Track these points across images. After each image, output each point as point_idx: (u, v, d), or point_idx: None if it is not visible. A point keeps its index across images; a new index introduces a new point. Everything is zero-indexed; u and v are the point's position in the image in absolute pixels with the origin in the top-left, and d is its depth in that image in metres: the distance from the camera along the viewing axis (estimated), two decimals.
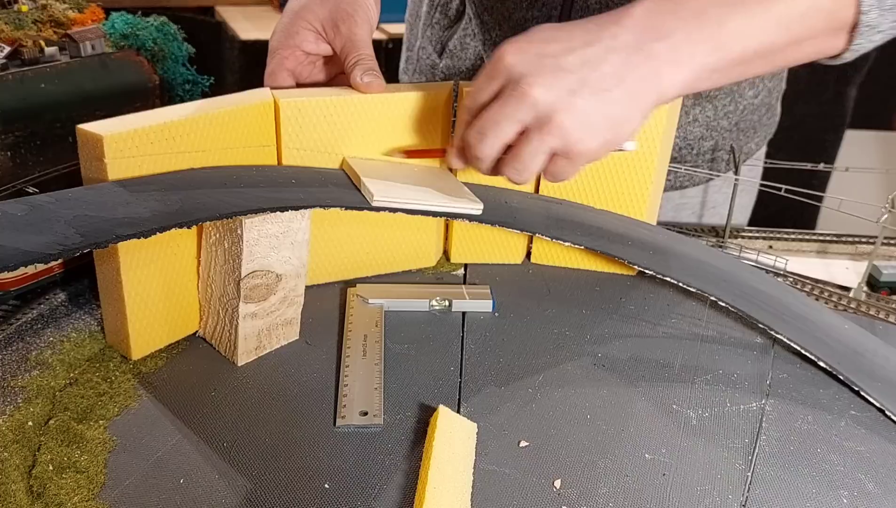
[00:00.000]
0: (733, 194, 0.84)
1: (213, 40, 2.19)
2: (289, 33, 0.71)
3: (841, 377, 0.62)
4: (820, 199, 0.77)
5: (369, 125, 0.67)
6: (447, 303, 0.69)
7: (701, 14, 0.57)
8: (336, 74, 0.74)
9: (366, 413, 0.55)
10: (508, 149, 0.58)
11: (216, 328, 0.62)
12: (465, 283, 0.74)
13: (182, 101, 0.91)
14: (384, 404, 0.57)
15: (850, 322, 0.68)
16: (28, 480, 0.49)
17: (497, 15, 0.87)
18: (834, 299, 0.75)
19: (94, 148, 0.54)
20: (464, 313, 0.69)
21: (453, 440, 0.52)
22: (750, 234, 0.88)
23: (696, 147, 0.92)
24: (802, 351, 0.64)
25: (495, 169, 0.60)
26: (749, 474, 0.53)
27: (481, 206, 0.64)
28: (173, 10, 2.25)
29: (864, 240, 0.87)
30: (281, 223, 0.58)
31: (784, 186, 0.79)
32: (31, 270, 0.65)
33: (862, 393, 0.61)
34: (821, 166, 0.87)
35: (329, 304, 0.69)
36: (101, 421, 0.54)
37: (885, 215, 0.73)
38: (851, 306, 0.74)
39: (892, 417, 0.59)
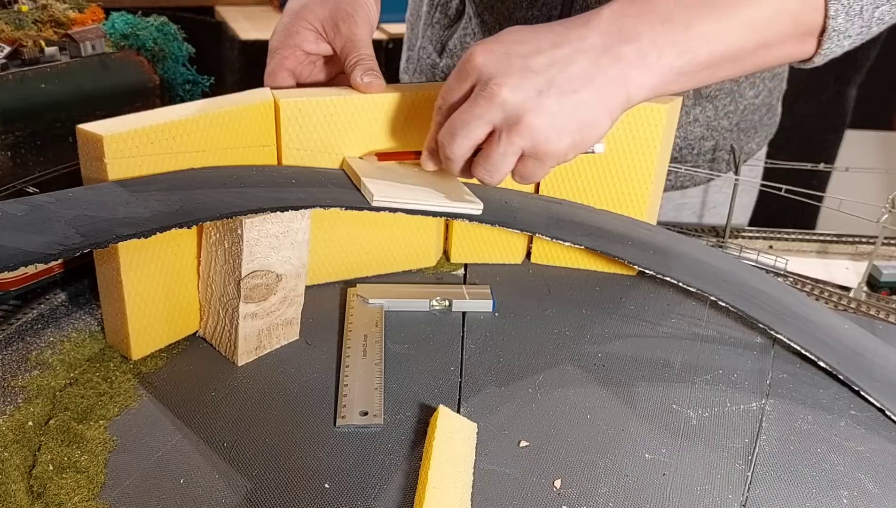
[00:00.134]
0: (733, 194, 0.84)
1: (213, 40, 2.18)
2: (289, 33, 0.71)
3: (841, 377, 0.62)
4: (820, 199, 0.77)
5: (369, 125, 0.67)
6: (447, 303, 0.69)
7: (668, 17, 0.57)
8: (336, 74, 0.74)
9: (366, 413, 0.55)
10: (479, 150, 0.59)
11: (216, 328, 0.62)
12: (465, 283, 0.74)
13: (182, 101, 0.91)
14: (384, 404, 0.57)
15: (850, 322, 0.68)
16: (28, 480, 0.49)
17: (497, 14, 0.87)
18: (834, 299, 0.75)
19: (94, 148, 0.54)
20: (464, 314, 0.69)
21: (453, 440, 0.52)
22: (750, 234, 0.88)
23: (696, 147, 0.92)
24: (802, 351, 0.64)
25: (466, 171, 0.60)
26: (749, 474, 0.53)
27: (481, 206, 0.64)
28: (173, 10, 2.25)
29: (864, 240, 0.87)
30: (281, 223, 0.58)
31: (784, 186, 0.79)
32: (31, 270, 0.65)
33: (862, 393, 0.61)
34: (821, 166, 0.87)
35: (329, 304, 0.69)
36: (101, 421, 0.54)
37: (885, 215, 0.73)
38: (851, 306, 0.74)
39: (892, 417, 0.59)
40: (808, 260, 0.84)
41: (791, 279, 0.78)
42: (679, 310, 0.71)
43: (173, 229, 0.52)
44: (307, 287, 0.64)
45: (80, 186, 0.55)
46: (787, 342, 0.64)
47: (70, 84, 0.79)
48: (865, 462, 0.55)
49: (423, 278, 0.75)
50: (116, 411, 0.55)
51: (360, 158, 0.68)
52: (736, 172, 0.84)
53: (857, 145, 2.34)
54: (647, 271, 0.67)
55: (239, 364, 0.61)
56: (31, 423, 0.53)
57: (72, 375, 0.59)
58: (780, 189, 0.79)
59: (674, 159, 0.89)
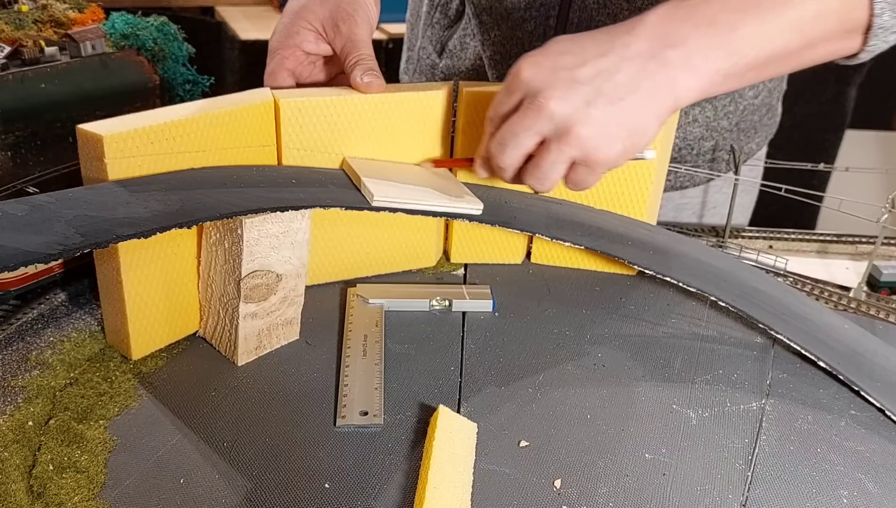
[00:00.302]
0: (733, 194, 0.84)
1: (213, 40, 2.18)
2: (289, 33, 0.71)
3: (841, 377, 0.62)
4: (820, 199, 0.77)
5: (369, 125, 0.67)
6: (447, 303, 0.69)
7: (713, 20, 0.57)
8: (336, 74, 0.74)
9: (366, 413, 0.55)
10: (530, 158, 0.60)
11: (216, 328, 0.62)
12: (465, 283, 0.74)
13: (182, 101, 0.91)
14: (384, 404, 0.57)
15: (850, 322, 0.68)
16: (28, 480, 0.49)
17: (496, 15, 0.87)
18: (834, 299, 0.75)
19: (94, 148, 0.54)
20: (464, 314, 0.69)
21: (453, 440, 0.52)
22: (750, 234, 0.88)
23: (696, 147, 0.92)
24: (802, 351, 0.64)
25: (518, 178, 0.62)
26: (749, 474, 0.53)
27: (481, 206, 0.64)
28: (173, 10, 2.25)
29: (864, 240, 0.87)
30: (281, 223, 0.58)
31: (784, 186, 0.79)
32: (31, 270, 0.65)
33: (862, 393, 0.61)
34: (821, 166, 0.87)
35: (329, 304, 0.69)
36: (101, 421, 0.54)
37: (885, 215, 0.73)
38: (851, 306, 0.74)
39: (892, 417, 0.59)
40: (808, 260, 0.84)
41: (791, 279, 0.78)
42: (679, 310, 0.71)
43: (173, 229, 0.52)
44: (307, 287, 0.64)
45: (80, 186, 0.55)
46: (787, 342, 0.64)
47: (70, 84, 0.79)
48: (865, 462, 0.55)
49: (423, 278, 0.75)
50: (116, 411, 0.55)
51: (418, 165, 0.69)
52: (736, 173, 0.84)
53: (857, 145, 2.34)
54: (647, 271, 0.68)
55: (239, 364, 0.61)
56: (31, 423, 0.53)
57: (72, 375, 0.59)
58: (780, 189, 0.79)
59: (673, 160, 0.89)
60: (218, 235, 0.58)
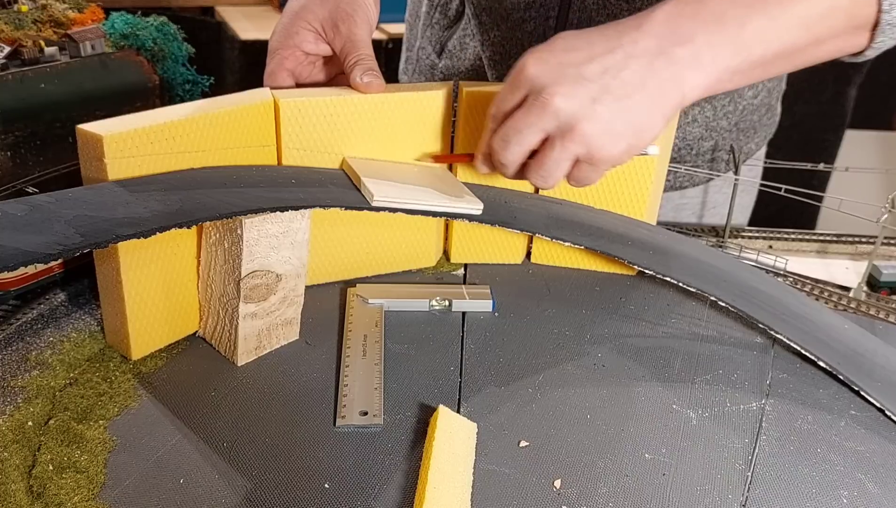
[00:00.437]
0: (733, 194, 0.84)
1: (213, 40, 2.18)
2: (288, 33, 0.71)
3: (841, 377, 0.62)
4: (820, 199, 0.77)
5: (369, 125, 0.67)
6: (447, 303, 0.69)
7: (721, 17, 0.57)
8: (336, 74, 0.74)
9: (366, 413, 0.55)
10: (533, 155, 0.59)
11: (216, 328, 0.62)
12: (465, 283, 0.74)
13: (182, 101, 0.91)
14: (384, 404, 0.57)
15: (850, 322, 0.68)
16: (28, 480, 0.49)
17: (495, 15, 0.87)
18: (834, 299, 0.75)
19: (94, 148, 0.54)
20: (464, 314, 0.69)
21: (453, 440, 0.52)
22: (750, 234, 0.88)
23: (695, 147, 0.92)
24: (802, 351, 0.64)
25: (520, 174, 0.61)
26: (749, 474, 0.53)
27: (481, 206, 0.64)
28: (173, 10, 2.25)
29: (864, 240, 0.87)
30: (281, 223, 0.58)
31: (784, 186, 0.79)
32: (31, 270, 0.65)
33: (862, 393, 0.61)
34: (821, 166, 0.87)
35: (329, 304, 0.69)
36: (101, 421, 0.54)
37: (885, 215, 0.73)
38: (851, 306, 0.74)
39: (892, 417, 0.59)
40: (807, 260, 0.84)
41: (791, 279, 0.78)
42: (679, 310, 0.71)
43: (173, 229, 0.52)
44: (307, 287, 0.64)
45: (80, 186, 0.55)
46: (787, 342, 0.64)
47: (70, 84, 0.79)
48: (865, 462, 0.55)
49: (423, 278, 0.75)
50: (116, 411, 0.55)
51: (418, 160, 0.69)
52: (736, 173, 0.84)
53: (857, 145, 2.34)
54: (647, 271, 0.67)
55: (239, 364, 0.61)
56: (30, 423, 0.53)
57: (72, 375, 0.59)
58: (779, 189, 0.79)
59: (673, 160, 0.89)
60: (218, 235, 0.58)
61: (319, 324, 0.66)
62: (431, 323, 0.67)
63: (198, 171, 0.59)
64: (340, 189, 0.63)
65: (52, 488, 0.48)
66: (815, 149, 2.12)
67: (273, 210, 0.56)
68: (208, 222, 0.57)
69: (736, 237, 0.87)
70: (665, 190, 0.86)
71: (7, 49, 0.76)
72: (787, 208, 0.87)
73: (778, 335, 0.64)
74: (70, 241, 0.47)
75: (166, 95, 0.89)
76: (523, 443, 0.54)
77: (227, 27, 2.16)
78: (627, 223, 0.73)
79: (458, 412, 0.57)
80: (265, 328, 0.61)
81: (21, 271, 0.64)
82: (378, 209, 0.61)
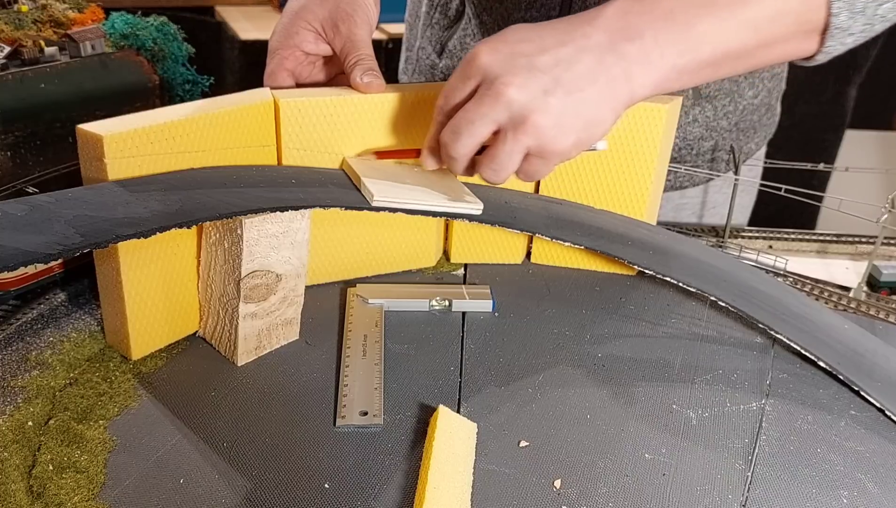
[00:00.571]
0: (733, 193, 0.84)
1: (213, 40, 2.19)
2: (288, 33, 0.71)
3: (841, 377, 0.62)
4: (820, 199, 0.77)
5: (369, 125, 0.67)
6: (447, 303, 0.69)
7: (670, 16, 0.57)
8: (336, 74, 0.74)
9: (366, 413, 0.55)
10: (483, 149, 0.59)
11: (216, 328, 0.62)
12: (465, 283, 0.74)
13: (182, 101, 0.91)
14: (384, 404, 0.57)
15: (850, 322, 0.68)
16: (28, 480, 0.49)
17: (496, 15, 0.87)
18: (834, 299, 0.75)
19: (94, 148, 0.54)
20: (464, 314, 0.69)
21: (453, 440, 0.52)
22: (750, 234, 0.88)
23: (695, 147, 0.92)
24: (802, 351, 0.64)
25: (470, 169, 0.60)
26: (749, 474, 0.53)
27: (481, 206, 0.64)
28: (173, 10, 2.25)
29: (864, 240, 0.87)
30: (281, 223, 0.58)
31: (784, 186, 0.79)
32: (31, 270, 0.65)
33: (862, 393, 0.61)
34: (821, 166, 0.87)
35: (329, 304, 0.69)
36: (101, 421, 0.54)
37: (885, 215, 0.73)
38: (851, 306, 0.74)
39: (892, 417, 0.59)
40: (807, 260, 0.84)
41: (791, 279, 0.78)
42: (679, 310, 0.71)
43: (173, 229, 0.52)
44: (307, 287, 0.64)
45: (80, 186, 0.55)
46: (787, 342, 0.64)
47: (70, 84, 0.79)
48: (865, 462, 0.55)
49: (423, 278, 0.75)
50: (116, 411, 0.55)
51: (358, 156, 0.68)
52: (736, 172, 0.84)
53: (857, 145, 2.34)
54: (647, 271, 0.67)
55: (239, 364, 0.61)
56: (30, 423, 0.53)
57: (72, 375, 0.59)
58: (779, 189, 0.79)
59: (673, 160, 0.89)
60: (218, 235, 0.58)
61: (319, 324, 0.66)
62: (431, 323, 0.67)
63: (198, 171, 0.59)
64: (340, 189, 0.63)
65: (52, 488, 0.48)
66: (815, 149, 2.12)
67: (273, 210, 0.56)
68: (208, 222, 0.57)
69: (736, 237, 0.87)
70: (665, 190, 0.86)
71: (7, 49, 0.76)
72: (787, 208, 0.87)
73: (778, 335, 0.64)
74: (70, 241, 0.47)
75: (166, 95, 0.89)
76: (523, 443, 0.54)
77: (227, 27, 2.16)
78: (627, 223, 0.73)
79: (458, 412, 0.57)
80: (265, 327, 0.61)
81: (21, 271, 0.64)
82: (378, 209, 0.61)
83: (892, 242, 0.87)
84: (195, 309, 0.63)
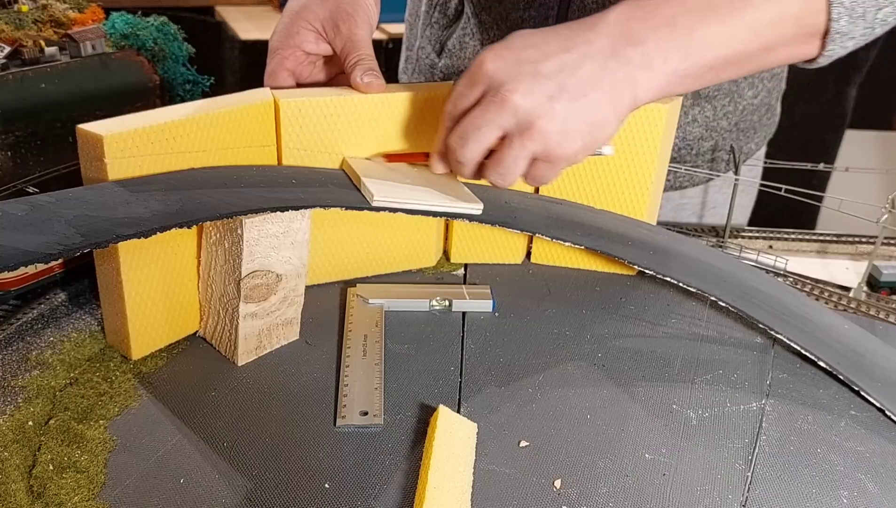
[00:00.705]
0: (733, 194, 0.84)
1: (213, 40, 2.19)
2: (289, 33, 0.71)
3: (841, 377, 0.62)
4: (820, 199, 0.77)
5: (369, 125, 0.67)
6: (447, 303, 0.69)
7: (672, 21, 0.57)
8: (336, 74, 0.74)
9: (366, 413, 0.55)
10: (490, 154, 0.59)
11: (216, 328, 0.62)
12: (465, 283, 0.74)
13: (182, 101, 0.91)
14: (384, 404, 0.57)
15: (850, 322, 0.68)
16: (28, 480, 0.49)
17: (495, 15, 0.87)
18: (834, 299, 0.75)
19: (95, 148, 0.54)
20: (464, 314, 0.69)
21: (453, 440, 0.52)
22: (750, 234, 0.88)
23: (695, 147, 0.92)
24: (802, 351, 0.64)
25: (478, 173, 0.61)
26: (749, 474, 0.53)
27: (481, 206, 0.64)
28: (173, 10, 2.25)
29: (864, 240, 0.87)
30: (281, 223, 0.58)
31: (784, 186, 0.79)
32: (31, 270, 0.65)
33: (862, 393, 0.61)
34: (821, 166, 0.87)
35: (329, 304, 0.69)
36: (101, 421, 0.54)
37: (885, 215, 0.73)
38: (851, 306, 0.74)
39: (892, 417, 0.59)
40: (807, 260, 0.84)
41: (791, 279, 0.78)
42: (679, 310, 0.71)
43: (173, 228, 0.52)
44: (307, 287, 0.64)
45: (80, 186, 0.55)
46: (787, 342, 0.64)
47: (70, 84, 0.79)
48: (865, 462, 0.55)
49: (423, 278, 0.75)
50: (116, 411, 0.55)
51: (368, 158, 0.68)
52: (736, 172, 0.84)
53: (857, 145, 2.34)
54: (647, 271, 0.68)
55: (239, 364, 0.61)
56: (31, 423, 0.53)
57: (72, 375, 0.59)
58: (779, 189, 0.79)
59: (673, 160, 0.89)
60: (218, 235, 0.58)
61: (319, 324, 0.66)
62: (431, 323, 0.67)
63: (198, 171, 0.59)
64: (341, 189, 0.63)
65: (53, 488, 0.48)
66: (815, 149, 2.12)
67: (273, 210, 0.56)
68: (208, 222, 0.57)
69: (736, 237, 0.87)
70: (665, 190, 0.86)
71: (7, 49, 0.76)
72: (787, 208, 0.87)
73: (778, 335, 0.64)
74: (70, 241, 0.47)
75: (166, 95, 0.89)
76: (523, 443, 0.54)
77: (227, 27, 2.17)
78: (627, 223, 0.73)
79: (458, 412, 0.57)
80: (265, 327, 0.61)
81: (21, 270, 0.64)
82: (378, 209, 0.61)
83: (892, 242, 0.87)
84: (195, 309, 0.63)
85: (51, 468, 0.50)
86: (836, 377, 0.63)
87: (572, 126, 0.57)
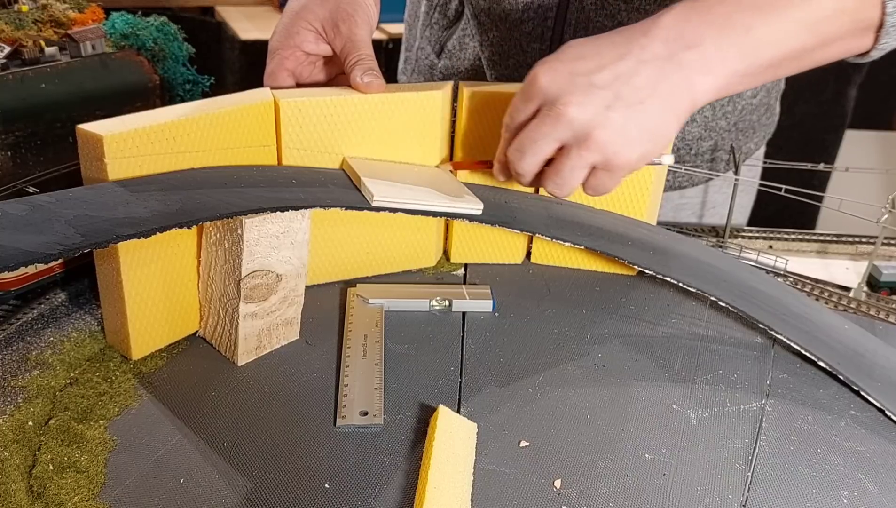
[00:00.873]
0: (733, 194, 0.84)
1: (213, 40, 2.19)
2: (289, 33, 0.71)
3: (841, 377, 0.62)
4: (820, 199, 0.77)
5: (369, 125, 0.67)
6: (447, 303, 0.69)
7: (728, 20, 0.57)
8: (336, 74, 0.74)
9: (366, 413, 0.55)
10: (549, 162, 0.60)
11: (216, 328, 0.62)
12: (465, 283, 0.74)
13: (182, 101, 0.91)
14: (384, 404, 0.57)
15: (850, 322, 0.68)
16: (28, 480, 0.49)
17: (494, 16, 0.87)
18: (834, 299, 0.75)
19: (95, 148, 0.54)
20: (464, 314, 0.69)
21: (453, 440, 0.52)
22: (750, 234, 0.88)
23: (694, 147, 0.92)
24: (802, 351, 0.64)
25: (536, 182, 0.62)
26: (749, 474, 0.53)
27: (481, 206, 0.64)
28: (173, 10, 2.25)
29: (864, 240, 0.87)
30: (281, 223, 0.58)
31: (784, 186, 0.79)
32: (31, 270, 0.65)
33: (862, 393, 0.61)
34: (821, 166, 0.86)
35: (329, 304, 0.69)
36: (101, 421, 0.54)
37: (885, 215, 0.73)
38: (851, 306, 0.74)
39: (892, 417, 0.59)
40: (807, 260, 0.84)
41: (791, 279, 0.78)
42: (679, 310, 0.71)
43: (173, 229, 0.52)
44: (307, 287, 0.64)
45: (80, 186, 0.55)
46: (787, 342, 0.64)
47: (70, 84, 0.79)
48: (865, 462, 0.55)
49: (423, 278, 0.75)
50: (116, 411, 0.55)
51: (437, 166, 0.69)
52: (736, 172, 0.84)
53: (857, 145, 2.34)
54: (647, 271, 0.68)
55: (239, 364, 0.61)
56: (31, 423, 0.53)
57: (72, 375, 0.59)
58: (779, 189, 0.79)
59: None
60: (218, 235, 0.58)
61: (319, 324, 0.66)
62: (431, 323, 0.67)
63: (198, 171, 0.59)
64: (341, 189, 0.63)
65: (53, 488, 0.48)
66: (815, 149, 2.12)
67: (273, 210, 0.56)
68: (208, 222, 0.57)
69: (736, 237, 0.87)
70: (665, 190, 0.85)
71: (7, 49, 0.76)
72: (786, 208, 0.87)
73: (778, 335, 0.64)
74: (70, 241, 0.47)
75: (166, 95, 0.89)
76: (523, 443, 0.54)
77: (227, 27, 2.17)
78: (627, 223, 0.73)
79: (458, 412, 0.57)
80: (265, 327, 0.61)
81: (21, 270, 0.64)
82: (378, 209, 0.61)
83: (892, 242, 0.87)
84: (195, 309, 0.63)
85: (51, 468, 0.50)
86: (836, 377, 0.63)
87: (630, 134, 0.57)
